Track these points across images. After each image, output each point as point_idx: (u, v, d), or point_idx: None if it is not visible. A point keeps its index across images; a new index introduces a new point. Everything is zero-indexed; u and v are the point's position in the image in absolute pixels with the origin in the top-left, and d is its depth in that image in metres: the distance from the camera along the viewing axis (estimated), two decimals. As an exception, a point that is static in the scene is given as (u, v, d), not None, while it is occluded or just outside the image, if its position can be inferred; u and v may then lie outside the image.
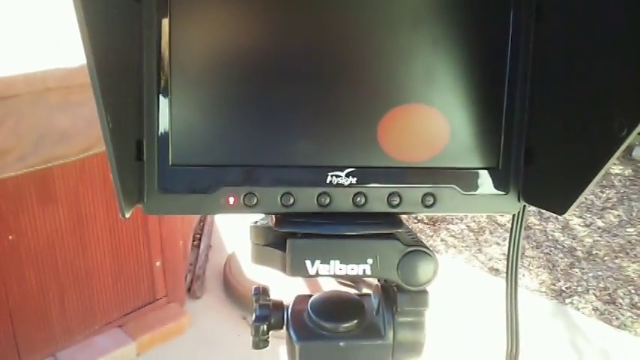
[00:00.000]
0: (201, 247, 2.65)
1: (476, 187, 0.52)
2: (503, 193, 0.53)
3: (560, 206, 0.48)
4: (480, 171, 0.52)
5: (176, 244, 2.20)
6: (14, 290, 1.74)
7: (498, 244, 2.96)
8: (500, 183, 0.52)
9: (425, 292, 0.51)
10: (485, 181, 0.52)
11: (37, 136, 1.55)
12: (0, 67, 1.50)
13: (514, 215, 0.55)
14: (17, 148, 1.52)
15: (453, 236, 3.05)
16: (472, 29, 0.51)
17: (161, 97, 0.48)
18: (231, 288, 2.37)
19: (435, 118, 0.51)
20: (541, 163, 0.51)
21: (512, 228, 0.56)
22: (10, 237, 1.68)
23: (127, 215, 0.44)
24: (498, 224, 3.14)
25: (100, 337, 2.02)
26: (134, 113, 0.47)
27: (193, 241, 2.68)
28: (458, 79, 0.51)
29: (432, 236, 3.05)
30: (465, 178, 0.52)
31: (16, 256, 1.71)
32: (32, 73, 1.50)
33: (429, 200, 0.51)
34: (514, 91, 0.51)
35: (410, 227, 0.54)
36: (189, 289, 2.38)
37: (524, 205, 0.54)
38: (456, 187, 0.52)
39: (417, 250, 0.50)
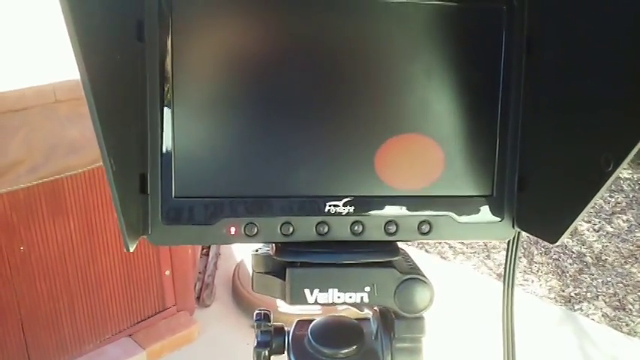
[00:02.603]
0: (210, 255, 2.67)
1: (471, 214, 0.53)
2: (498, 219, 0.54)
3: (552, 235, 0.49)
4: (474, 198, 0.53)
5: (185, 252, 2.21)
6: (26, 300, 1.76)
7: (505, 249, 2.96)
8: (494, 210, 0.53)
9: (421, 318, 0.52)
10: (480, 208, 0.53)
11: (47, 148, 1.57)
12: (11, 80, 1.52)
13: (509, 241, 0.56)
14: (28, 160, 1.54)
15: (461, 242, 3.05)
16: (465, 61, 0.52)
17: (165, 132, 0.49)
18: (240, 296, 2.38)
19: (431, 147, 0.52)
20: (534, 191, 0.52)
21: (507, 253, 0.57)
22: (21, 248, 1.71)
23: (132, 249, 0.45)
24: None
25: (110, 346, 2.04)
26: (137, 148, 0.49)
27: (202, 249, 2.70)
28: (452, 110, 0.52)
29: (440, 243, 3.05)
30: (460, 206, 0.53)
31: (27, 266, 1.73)
32: (42, 85, 1.53)
33: (425, 228, 0.53)
34: (507, 121, 0.52)
35: (407, 253, 0.56)
36: (198, 298, 2.39)
37: (519, 232, 0.55)
38: (451, 214, 0.53)
39: (413, 278, 0.51)
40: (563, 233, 0.48)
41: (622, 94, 0.43)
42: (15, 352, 1.78)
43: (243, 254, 2.64)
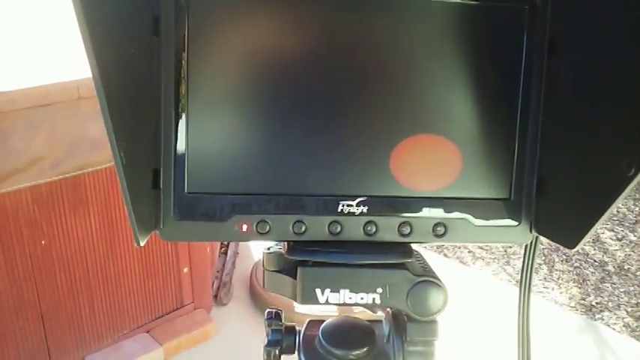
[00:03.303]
0: (229, 254, 2.68)
1: (487, 218, 0.52)
2: (515, 223, 0.53)
3: (570, 240, 0.48)
4: (491, 201, 0.52)
5: (204, 251, 2.23)
6: (46, 294, 1.78)
7: (527, 256, 2.92)
8: (512, 214, 0.52)
9: (434, 322, 0.52)
10: (497, 211, 0.52)
11: (70, 144, 1.59)
12: (36, 76, 1.55)
13: (526, 246, 0.55)
14: (51, 155, 1.57)
15: (480, 248, 3.02)
16: (485, 61, 0.51)
17: (179, 128, 0.49)
18: (257, 295, 2.39)
19: (448, 148, 0.51)
20: (552, 195, 0.51)
21: (524, 258, 0.56)
22: (42, 242, 1.73)
23: (142, 243, 0.45)
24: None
25: (128, 341, 2.05)
26: (150, 143, 0.49)
27: (221, 248, 2.71)
28: (471, 111, 0.51)
29: (459, 248, 3.02)
30: (476, 209, 0.52)
31: (48, 260, 1.76)
32: (66, 82, 1.55)
33: (440, 230, 0.52)
34: (526, 123, 0.51)
35: (421, 255, 0.55)
36: (216, 296, 2.40)
37: (537, 236, 0.54)
38: (467, 217, 0.52)
39: (426, 280, 0.50)
40: (582, 239, 0.47)
41: None
42: (35, 345, 1.81)
43: (261, 254, 2.64)
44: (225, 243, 2.75)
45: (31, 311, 1.76)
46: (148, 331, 2.11)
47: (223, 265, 2.60)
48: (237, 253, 2.73)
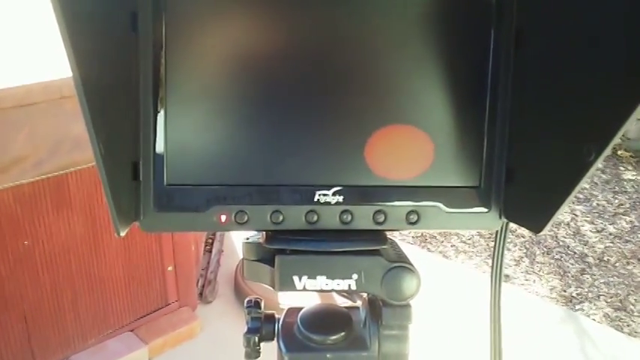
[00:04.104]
0: (213, 252, 2.68)
1: (458, 205, 0.54)
2: (485, 210, 0.55)
3: (537, 224, 0.50)
4: (462, 189, 0.54)
5: (188, 249, 2.23)
6: (29, 294, 1.78)
7: (508, 249, 2.95)
8: (482, 201, 0.54)
9: (408, 306, 0.53)
10: (467, 198, 0.54)
11: (52, 144, 1.59)
12: (18, 75, 1.54)
13: (497, 232, 0.57)
14: (33, 155, 1.56)
15: (463, 242, 3.05)
16: (454, 54, 0.53)
17: (158, 121, 0.50)
18: (242, 293, 2.40)
19: (420, 139, 0.53)
20: (521, 182, 0.53)
21: (495, 244, 0.58)
22: (25, 242, 1.72)
23: (122, 234, 0.46)
24: (510, 230, 3.14)
25: (112, 340, 2.05)
26: (130, 136, 0.50)
27: (205, 246, 2.71)
28: (442, 102, 0.53)
29: (442, 242, 3.05)
30: (448, 196, 0.54)
31: (31, 260, 1.75)
32: (49, 81, 1.54)
33: (413, 217, 0.54)
34: (495, 113, 0.53)
35: (395, 243, 0.57)
36: (200, 294, 2.41)
37: (506, 222, 0.56)
38: (439, 204, 0.54)
39: (400, 266, 0.52)
40: (547, 223, 0.48)
41: (603, 86, 0.44)
42: (18, 346, 1.80)
43: (245, 252, 2.64)
44: (210, 241, 2.76)
45: (14, 312, 1.76)
46: (132, 330, 2.11)
47: (208, 262, 2.60)
48: (222, 251, 2.73)
